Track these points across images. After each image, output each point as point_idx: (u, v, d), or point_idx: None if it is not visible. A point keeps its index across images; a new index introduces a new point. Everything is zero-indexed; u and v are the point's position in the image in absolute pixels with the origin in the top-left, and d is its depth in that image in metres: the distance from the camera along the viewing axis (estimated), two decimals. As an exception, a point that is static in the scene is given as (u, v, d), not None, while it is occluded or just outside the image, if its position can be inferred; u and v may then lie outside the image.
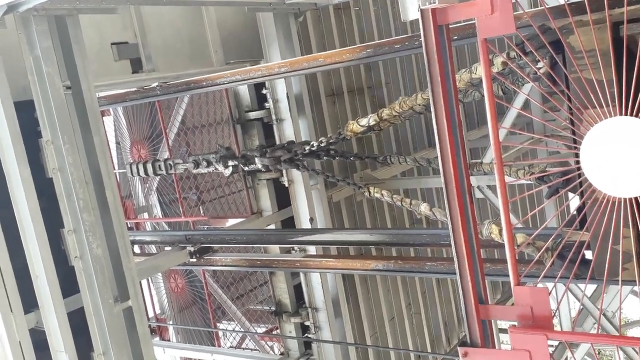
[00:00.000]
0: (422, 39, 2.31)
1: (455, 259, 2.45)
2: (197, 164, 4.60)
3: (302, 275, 5.78)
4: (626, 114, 2.17)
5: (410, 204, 3.47)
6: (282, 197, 5.96)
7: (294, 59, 4.31)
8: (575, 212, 2.57)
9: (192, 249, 4.74)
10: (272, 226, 5.97)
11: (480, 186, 6.53)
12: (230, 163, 4.46)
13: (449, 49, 2.30)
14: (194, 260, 4.76)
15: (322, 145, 3.91)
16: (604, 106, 2.24)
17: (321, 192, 5.97)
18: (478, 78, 2.93)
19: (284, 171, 5.69)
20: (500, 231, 2.90)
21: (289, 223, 5.93)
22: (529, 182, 3.28)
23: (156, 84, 4.85)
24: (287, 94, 5.53)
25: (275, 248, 5.84)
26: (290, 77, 5.24)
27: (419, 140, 8.32)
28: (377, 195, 3.73)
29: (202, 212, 6.49)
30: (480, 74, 2.89)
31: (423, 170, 7.86)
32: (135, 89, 5.02)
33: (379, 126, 3.57)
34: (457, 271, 2.44)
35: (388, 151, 7.44)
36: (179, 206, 6.43)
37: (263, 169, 4.33)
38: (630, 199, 2.25)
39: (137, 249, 6.44)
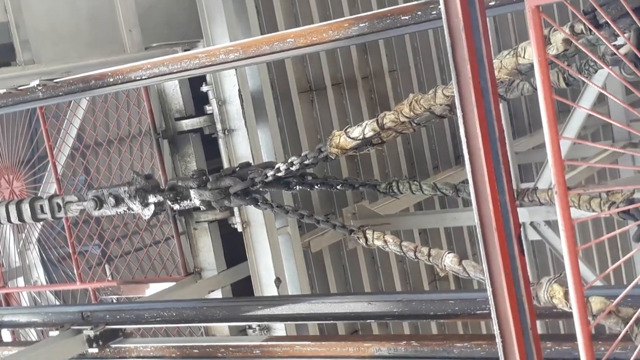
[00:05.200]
0: (442, 6, 2.36)
1: (497, 337, 2.46)
2: (100, 202, 4.58)
3: (266, 369, 5.75)
4: None
5: (429, 255, 3.44)
6: (233, 248, 5.95)
7: (250, 39, 4.34)
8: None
9: (92, 333, 4.69)
10: (218, 293, 5.94)
11: (536, 223, 6.56)
12: (152, 199, 4.45)
13: (482, 21, 2.34)
14: (95, 350, 4.71)
15: (294, 168, 3.93)
16: None
17: (293, 238, 5.97)
18: (528, 63, 2.97)
19: (235, 209, 5.69)
20: (566, 294, 2.91)
21: (244, 287, 5.92)
22: (609, 216, 3.32)
23: (37, 82, 4.86)
24: (239, 91, 5.57)
25: (223, 328, 5.81)
26: (245, 66, 5.27)
27: (441, 157, 8.38)
28: (379, 242, 3.70)
29: (108, 274, 6.45)
30: (530, 58, 2.93)
31: (448, 202, 7.87)
32: (5, 90, 5.02)
33: (380, 138, 3.59)
34: (501, 356, 2.45)
35: (395, 175, 7.49)
36: (72, 266, 6.39)
37: (203, 207, 4.32)
38: None
39: (6, 335, 6.33)
